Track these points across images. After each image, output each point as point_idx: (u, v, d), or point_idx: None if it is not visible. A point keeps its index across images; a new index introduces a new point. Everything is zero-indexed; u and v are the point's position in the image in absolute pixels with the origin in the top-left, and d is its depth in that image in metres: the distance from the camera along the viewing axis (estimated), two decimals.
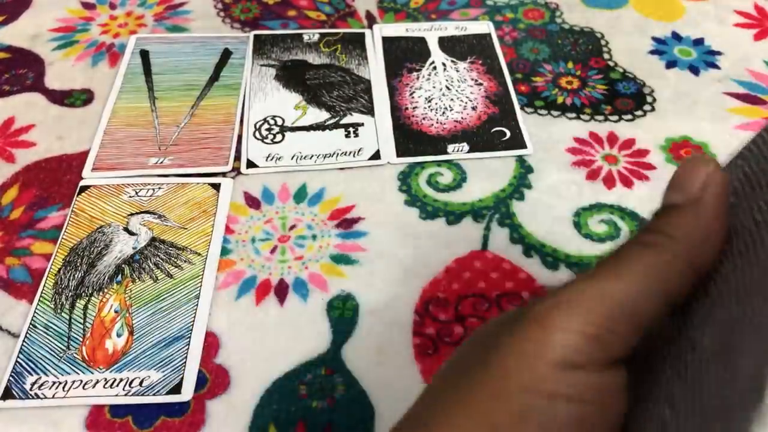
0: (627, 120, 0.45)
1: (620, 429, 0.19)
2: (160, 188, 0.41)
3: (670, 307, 0.19)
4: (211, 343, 0.34)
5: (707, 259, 0.20)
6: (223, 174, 0.42)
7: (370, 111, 0.46)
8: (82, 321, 0.35)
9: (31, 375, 0.33)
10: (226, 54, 0.50)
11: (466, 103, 0.46)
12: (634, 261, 0.19)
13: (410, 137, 0.44)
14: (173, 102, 0.46)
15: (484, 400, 0.18)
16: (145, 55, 0.50)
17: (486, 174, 0.42)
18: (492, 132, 0.44)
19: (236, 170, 0.42)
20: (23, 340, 0.34)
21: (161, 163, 0.42)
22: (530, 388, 0.18)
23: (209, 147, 0.43)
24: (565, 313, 0.19)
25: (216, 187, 0.41)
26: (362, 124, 0.45)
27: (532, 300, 0.20)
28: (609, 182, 0.41)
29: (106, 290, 0.36)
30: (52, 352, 0.34)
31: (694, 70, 0.49)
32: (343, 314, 0.35)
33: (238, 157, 0.43)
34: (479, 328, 0.22)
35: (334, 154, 0.43)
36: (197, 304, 0.35)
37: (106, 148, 0.43)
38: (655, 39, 0.52)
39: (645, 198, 0.40)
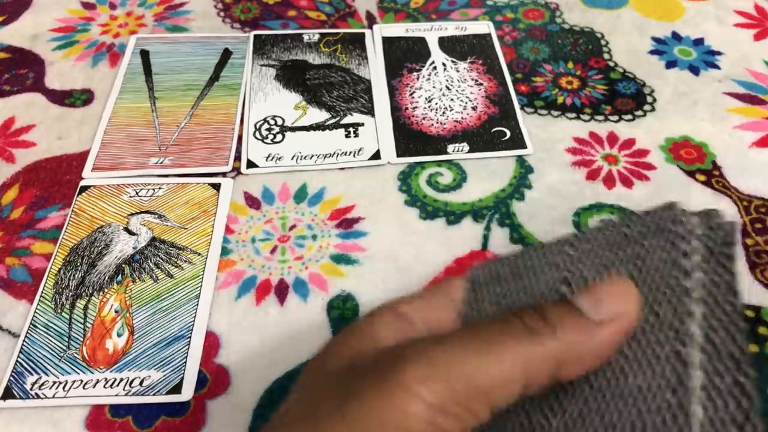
0: (627, 120, 0.45)
1: None
2: (160, 188, 0.41)
3: (522, 396, 0.20)
4: (211, 343, 0.34)
5: (574, 374, 0.20)
6: (224, 174, 0.42)
7: (370, 111, 0.46)
8: (82, 321, 0.35)
9: (32, 375, 0.33)
10: (226, 54, 0.50)
11: (466, 103, 0.46)
12: (509, 344, 0.20)
13: (410, 137, 0.44)
14: (173, 102, 0.46)
15: None
16: (145, 55, 0.50)
17: (486, 174, 0.42)
18: (492, 132, 0.44)
19: (236, 170, 0.42)
20: (23, 340, 0.34)
21: (161, 163, 0.42)
22: None
23: (209, 147, 0.43)
24: (430, 383, 0.19)
25: (216, 187, 0.41)
26: (362, 124, 0.45)
27: (399, 349, 0.20)
28: (609, 182, 0.41)
29: (106, 290, 0.36)
30: (53, 352, 0.34)
31: (694, 70, 0.49)
32: (343, 314, 0.35)
33: (238, 157, 0.43)
34: (335, 353, 0.22)
35: (334, 154, 0.43)
36: (197, 304, 0.35)
37: (107, 148, 0.43)
38: (655, 39, 0.52)
39: (645, 198, 0.41)
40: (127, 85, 0.48)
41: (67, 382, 0.33)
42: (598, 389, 0.21)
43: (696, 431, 0.18)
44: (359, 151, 0.43)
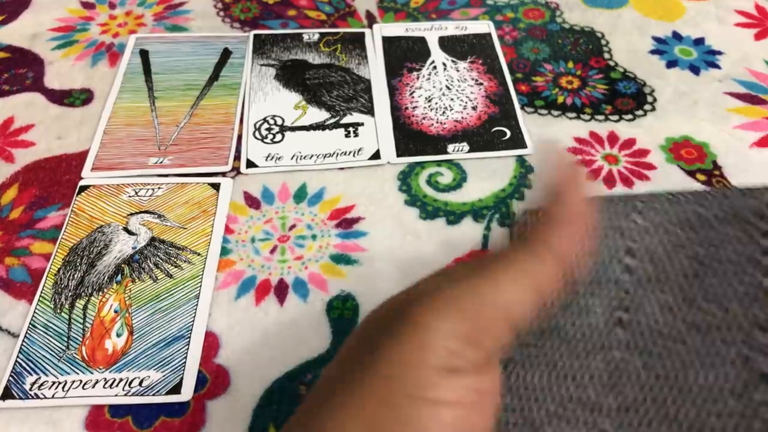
0: (627, 120, 0.45)
1: (496, 422, 0.20)
2: (159, 188, 0.41)
3: (543, 308, 0.20)
4: (211, 344, 0.34)
5: (575, 257, 0.21)
6: (223, 174, 0.42)
7: (370, 111, 0.46)
8: (81, 321, 0.35)
9: (31, 375, 0.33)
10: (226, 54, 0.50)
11: (466, 102, 0.46)
12: (514, 266, 0.20)
13: (410, 137, 0.44)
14: (173, 102, 0.46)
15: (369, 407, 0.19)
16: (144, 54, 0.50)
17: (486, 174, 0.42)
18: (492, 132, 0.44)
19: (236, 170, 0.42)
20: (23, 340, 0.34)
21: (161, 162, 0.42)
22: (415, 396, 0.18)
23: (209, 147, 0.43)
24: (443, 317, 0.19)
25: (216, 186, 0.41)
26: (362, 124, 0.45)
27: (411, 295, 0.21)
28: (609, 182, 0.41)
29: (105, 290, 0.36)
30: (52, 352, 0.34)
31: (695, 69, 0.49)
32: (343, 314, 0.35)
33: (237, 157, 0.43)
34: (365, 322, 0.22)
35: (334, 153, 0.43)
36: (197, 304, 0.35)
37: (106, 148, 0.43)
38: (655, 39, 0.52)
39: None
40: (127, 84, 0.48)
41: (66, 382, 0.33)
42: (657, 377, 0.20)
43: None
44: (359, 150, 0.43)
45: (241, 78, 0.48)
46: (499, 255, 0.21)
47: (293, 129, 0.45)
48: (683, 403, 0.19)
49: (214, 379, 0.33)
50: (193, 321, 0.35)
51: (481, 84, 0.48)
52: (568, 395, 0.21)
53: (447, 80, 0.48)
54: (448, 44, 0.51)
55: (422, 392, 0.18)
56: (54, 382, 0.33)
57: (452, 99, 0.47)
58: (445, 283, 0.21)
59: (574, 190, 0.21)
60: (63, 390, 0.32)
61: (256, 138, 0.44)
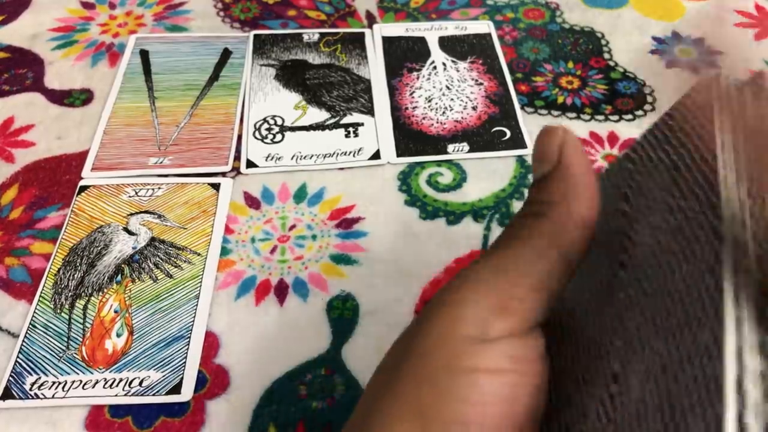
0: (627, 120, 0.45)
1: (545, 392, 0.20)
2: (159, 188, 0.41)
3: (570, 267, 0.20)
4: (211, 344, 0.34)
5: (590, 212, 0.21)
6: (223, 174, 0.42)
7: (370, 111, 0.46)
8: (81, 321, 0.35)
9: (31, 375, 0.33)
10: (226, 54, 0.50)
11: (466, 102, 0.46)
12: (524, 230, 0.21)
13: (410, 137, 0.44)
14: (173, 102, 0.46)
15: (409, 386, 0.19)
16: (144, 54, 0.50)
17: (486, 174, 0.42)
18: (492, 132, 0.44)
19: (236, 170, 0.42)
20: (23, 340, 0.34)
21: (161, 163, 0.42)
22: (450, 366, 0.18)
23: (209, 147, 0.43)
24: (471, 290, 0.19)
25: (216, 187, 0.41)
26: (362, 124, 0.45)
27: (442, 289, 0.21)
28: None
29: (105, 290, 0.36)
30: (52, 352, 0.34)
31: (695, 69, 0.49)
32: (343, 314, 0.35)
33: (238, 157, 0.43)
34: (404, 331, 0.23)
35: (334, 154, 0.43)
36: (197, 305, 0.35)
37: (106, 148, 0.43)
38: (655, 39, 0.52)
39: None
40: (127, 84, 0.48)
41: (66, 382, 0.33)
42: (645, 293, 0.20)
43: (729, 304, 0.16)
44: (359, 151, 0.43)
45: (241, 78, 0.48)
46: (516, 226, 0.21)
47: (293, 129, 0.45)
48: (668, 302, 0.19)
49: (214, 379, 0.33)
50: (193, 321, 0.35)
51: (481, 84, 0.48)
52: (587, 357, 0.21)
53: (447, 80, 0.48)
54: (448, 44, 0.51)
55: (458, 362, 0.18)
56: (54, 382, 0.33)
57: (452, 99, 0.47)
58: (470, 267, 0.21)
59: (573, 149, 0.21)
60: (63, 390, 0.32)
61: (256, 138, 0.44)
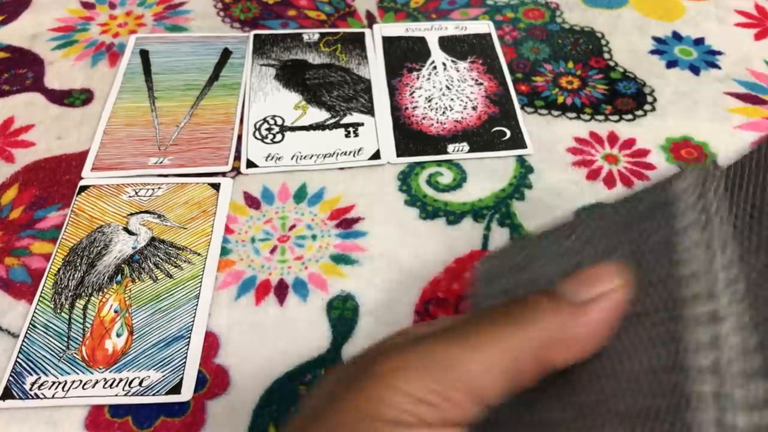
0: (627, 120, 0.45)
1: None
2: (159, 188, 0.41)
3: (515, 389, 0.20)
4: (211, 344, 0.34)
5: (567, 360, 0.20)
6: (223, 174, 0.42)
7: (370, 111, 0.46)
8: (81, 321, 0.35)
9: (31, 375, 0.33)
10: (226, 54, 0.50)
11: (466, 102, 0.46)
12: (494, 335, 0.20)
13: (410, 137, 0.44)
14: (173, 102, 0.46)
15: None
16: (144, 54, 0.50)
17: (486, 174, 0.42)
18: (492, 132, 0.44)
19: (236, 170, 0.42)
20: (23, 340, 0.34)
21: (161, 163, 0.42)
22: None
23: (209, 147, 0.43)
24: (404, 377, 0.19)
25: (216, 187, 0.41)
26: (362, 124, 0.45)
27: (384, 345, 0.21)
28: (609, 182, 0.41)
29: (105, 290, 0.36)
30: (52, 352, 0.34)
31: (695, 69, 0.49)
32: (343, 314, 0.35)
33: (238, 157, 0.43)
34: (341, 366, 0.23)
35: (334, 154, 0.43)
36: (197, 304, 0.35)
37: (106, 148, 0.43)
38: (655, 39, 0.52)
39: None
40: (127, 84, 0.48)
41: (66, 382, 0.33)
42: (596, 375, 0.20)
43: (694, 408, 0.17)
44: (359, 150, 0.43)
45: (242, 78, 0.48)
46: (481, 315, 0.21)
47: (293, 129, 0.45)
48: (622, 390, 0.19)
49: (214, 379, 0.33)
50: (193, 321, 0.35)
51: (481, 84, 0.48)
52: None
53: (447, 80, 0.48)
54: (448, 44, 0.51)
55: None
56: (54, 382, 0.33)
57: (452, 99, 0.47)
58: (418, 340, 0.20)
59: (594, 283, 0.20)
60: (63, 390, 0.32)
61: (256, 138, 0.44)
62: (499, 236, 0.39)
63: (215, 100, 0.47)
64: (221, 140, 0.44)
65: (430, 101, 0.47)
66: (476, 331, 0.20)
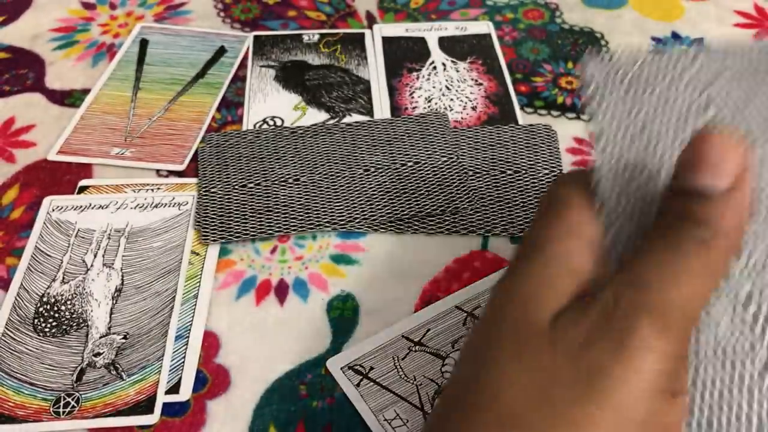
0: None
1: None
2: (159, 188, 0.41)
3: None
4: (212, 343, 0.34)
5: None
6: (179, 173, 0.42)
7: (369, 111, 0.46)
8: None
9: None
10: (220, 51, 0.50)
11: (466, 103, 0.46)
12: (691, 262, 0.18)
13: None
14: (153, 94, 0.46)
15: None
16: (144, 44, 0.50)
17: None
18: None
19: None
20: None
21: (122, 154, 0.42)
22: (648, 423, 0.17)
23: (172, 144, 0.43)
24: (657, 334, 0.18)
25: None
26: None
27: (627, 300, 0.18)
28: None
29: None
30: None
31: None
32: (343, 314, 0.35)
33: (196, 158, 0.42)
34: (529, 305, 0.20)
35: None
36: (195, 304, 0.35)
37: (77, 133, 0.44)
38: (654, 39, 0.52)
39: None
40: (117, 72, 0.48)
41: None
42: None
43: None
44: None
45: (226, 78, 0.48)
46: (671, 251, 0.19)
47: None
48: None
49: (214, 379, 0.33)
50: (192, 321, 0.35)
51: (481, 84, 0.48)
52: None
53: (447, 81, 0.48)
54: (448, 45, 0.51)
55: (655, 418, 0.18)
56: None
57: (452, 99, 0.47)
58: (657, 285, 0.19)
59: (727, 158, 0.18)
60: None
61: None
62: (499, 236, 0.39)
63: (194, 97, 0.46)
64: (185, 138, 0.44)
65: (429, 101, 0.47)
66: (686, 260, 0.18)
